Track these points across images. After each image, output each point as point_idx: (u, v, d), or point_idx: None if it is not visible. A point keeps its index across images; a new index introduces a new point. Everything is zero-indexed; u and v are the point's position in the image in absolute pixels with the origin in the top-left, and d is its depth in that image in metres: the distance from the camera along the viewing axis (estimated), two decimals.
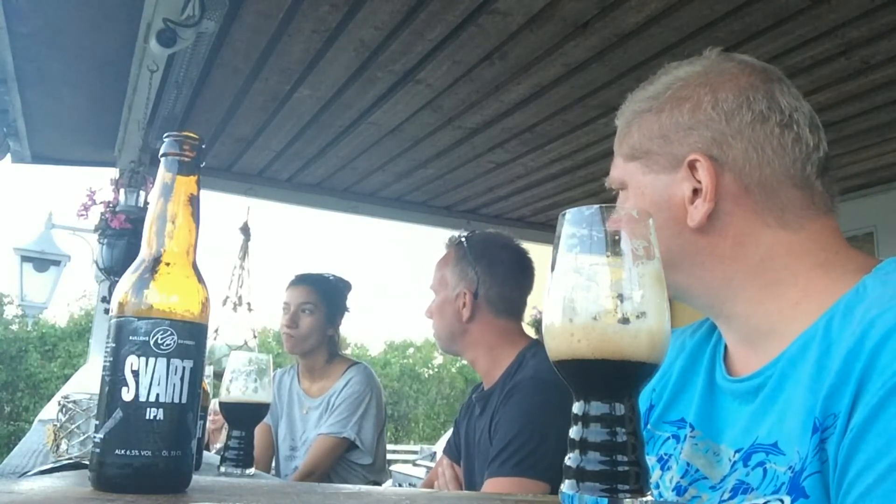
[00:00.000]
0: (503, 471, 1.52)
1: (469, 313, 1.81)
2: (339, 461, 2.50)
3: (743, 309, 0.82)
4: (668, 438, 0.90)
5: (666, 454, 0.89)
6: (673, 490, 0.84)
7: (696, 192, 0.81)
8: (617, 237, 0.59)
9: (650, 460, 0.90)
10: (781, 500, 0.69)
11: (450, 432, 2.07)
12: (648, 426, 0.94)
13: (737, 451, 0.78)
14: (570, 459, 0.58)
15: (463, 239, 1.90)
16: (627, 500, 0.55)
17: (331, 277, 2.79)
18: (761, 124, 0.80)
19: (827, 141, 0.84)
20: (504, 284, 1.84)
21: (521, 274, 1.88)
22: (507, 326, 1.84)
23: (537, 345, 1.78)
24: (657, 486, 0.86)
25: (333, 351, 2.71)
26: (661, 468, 0.88)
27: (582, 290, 0.58)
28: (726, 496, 0.75)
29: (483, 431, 1.72)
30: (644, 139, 0.87)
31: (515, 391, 1.64)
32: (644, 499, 0.56)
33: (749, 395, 0.80)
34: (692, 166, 0.81)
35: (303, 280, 2.72)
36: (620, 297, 0.57)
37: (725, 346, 0.90)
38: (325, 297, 2.69)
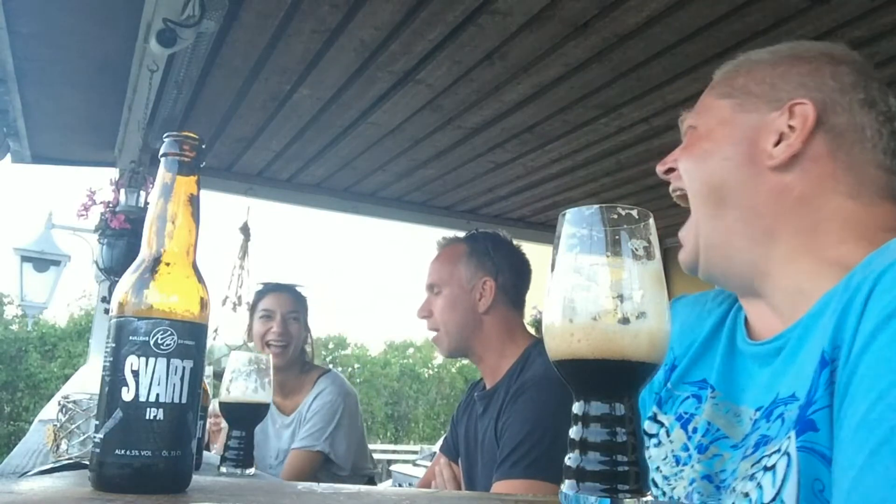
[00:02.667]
0: (515, 472, 1.50)
1: (487, 303, 1.80)
2: (319, 474, 2.44)
3: (778, 266, 0.83)
4: (688, 398, 0.91)
5: (685, 412, 0.90)
6: (696, 448, 0.85)
7: (781, 137, 0.83)
8: (617, 237, 0.59)
9: (668, 419, 0.92)
10: (789, 437, 0.69)
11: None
12: (668, 386, 0.95)
13: (758, 410, 0.79)
14: (570, 459, 0.58)
15: (474, 231, 1.93)
16: (627, 499, 0.55)
17: (299, 288, 2.74)
18: (868, 108, 0.83)
19: None
20: (518, 276, 1.87)
21: (526, 269, 1.91)
22: (516, 320, 1.86)
23: (542, 342, 1.77)
24: (685, 448, 0.86)
25: (305, 361, 2.66)
26: (682, 427, 0.89)
27: (582, 290, 0.58)
28: (749, 452, 0.76)
29: (487, 431, 1.70)
30: (750, 82, 0.89)
31: (525, 390, 1.61)
32: (644, 499, 0.56)
33: (770, 356, 0.81)
34: (791, 111, 0.83)
35: (283, 288, 2.67)
36: (620, 297, 0.57)
37: (745, 317, 0.91)
38: (304, 306, 2.67)
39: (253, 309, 2.70)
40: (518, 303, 1.87)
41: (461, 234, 1.99)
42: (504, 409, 1.65)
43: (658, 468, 0.88)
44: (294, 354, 2.57)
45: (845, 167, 0.82)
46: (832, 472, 0.64)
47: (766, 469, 0.70)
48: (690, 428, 0.88)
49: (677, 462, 0.86)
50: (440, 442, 2.42)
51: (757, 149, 0.85)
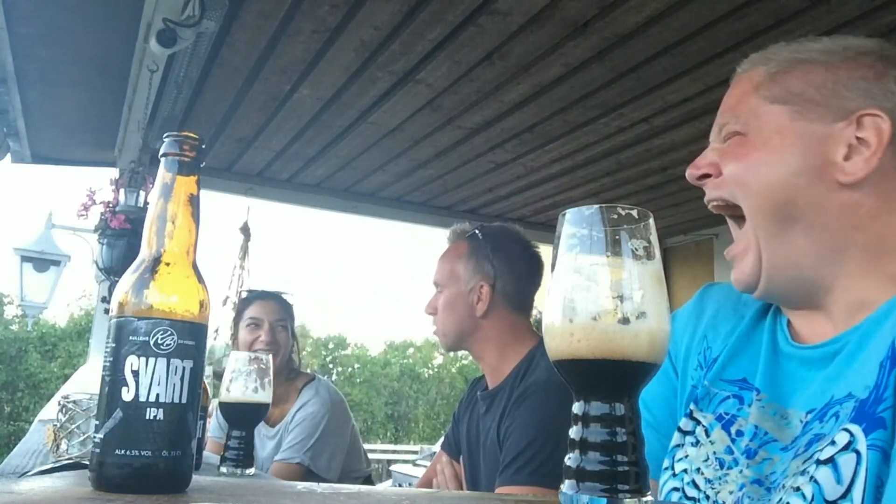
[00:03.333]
0: (518, 479, 1.48)
1: (485, 308, 1.76)
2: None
3: (843, 282, 0.81)
4: (728, 397, 0.88)
5: (726, 413, 0.87)
6: (743, 453, 0.83)
7: (849, 149, 0.80)
8: (617, 237, 0.59)
9: (706, 418, 0.89)
10: (850, 431, 0.67)
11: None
12: (705, 382, 0.92)
13: (809, 412, 0.77)
14: (570, 459, 0.58)
15: (477, 231, 1.84)
16: (627, 500, 0.55)
17: (285, 296, 2.69)
18: None
19: None
20: (520, 279, 1.80)
21: (535, 268, 1.84)
22: (519, 322, 1.80)
23: None
24: (730, 451, 0.84)
25: (292, 368, 2.60)
26: (724, 428, 0.86)
27: (582, 290, 0.58)
28: (801, 451, 0.75)
29: (490, 432, 1.68)
30: (808, 87, 0.84)
31: (529, 394, 1.59)
32: (644, 499, 0.56)
33: (824, 360, 0.79)
34: (860, 122, 0.80)
35: (269, 296, 2.61)
36: (620, 297, 0.57)
37: (787, 320, 0.89)
38: (290, 314, 2.61)
39: (238, 317, 2.61)
40: (521, 305, 1.81)
41: (471, 225, 1.89)
42: (508, 412, 1.62)
43: (699, 470, 0.85)
44: (282, 363, 2.51)
45: None
46: (891, 469, 0.63)
47: (818, 462, 0.69)
48: (734, 430, 0.85)
49: (721, 465, 0.84)
50: (440, 442, 2.40)
51: (826, 162, 0.80)
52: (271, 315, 2.53)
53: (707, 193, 0.89)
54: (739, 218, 0.87)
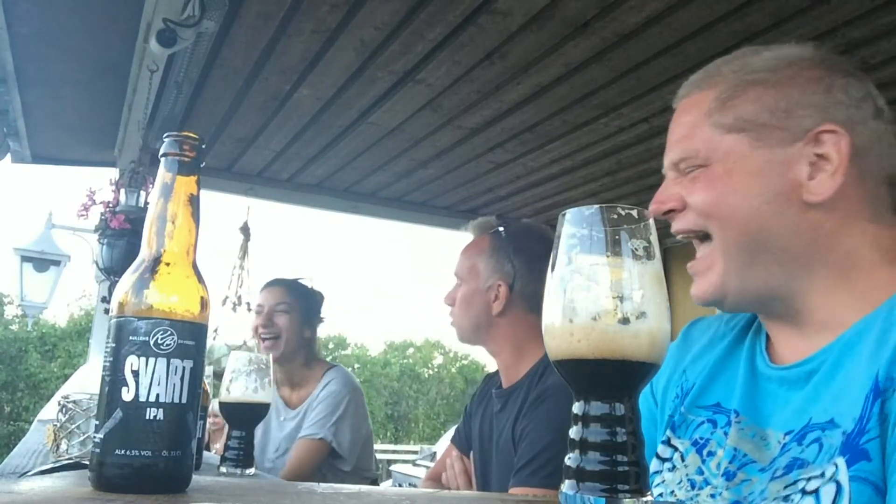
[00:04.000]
0: (533, 481, 1.48)
1: (501, 307, 1.73)
2: (323, 468, 2.42)
3: (813, 300, 0.81)
4: (703, 423, 0.90)
5: (702, 438, 0.88)
6: (722, 476, 0.83)
7: (812, 166, 0.80)
8: (617, 237, 0.59)
9: (683, 444, 0.90)
10: (836, 464, 0.68)
11: (451, 432, 2.02)
12: (682, 410, 0.93)
13: (787, 434, 0.77)
14: (570, 459, 0.58)
15: (501, 228, 1.80)
16: (627, 500, 0.55)
17: (306, 283, 2.75)
18: (879, 118, 0.82)
19: None
20: (540, 280, 1.78)
21: None
22: (537, 323, 1.77)
23: None
24: (701, 472, 0.86)
25: (311, 355, 2.64)
26: (698, 452, 0.88)
27: (582, 290, 0.58)
28: (779, 473, 0.75)
29: (504, 431, 1.67)
30: (762, 111, 0.83)
31: (547, 397, 1.57)
32: (644, 499, 0.56)
33: (800, 380, 0.80)
34: (817, 139, 0.80)
35: (276, 282, 2.68)
36: (620, 297, 0.57)
37: (767, 336, 0.89)
38: (299, 298, 2.64)
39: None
40: (540, 307, 1.78)
41: (496, 221, 1.85)
42: (524, 413, 1.61)
43: (673, 492, 0.87)
44: (290, 347, 2.55)
45: (872, 186, 0.80)
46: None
47: (804, 493, 0.69)
48: (706, 452, 0.86)
49: (692, 486, 0.85)
50: (440, 442, 2.39)
51: (792, 184, 0.80)
52: (271, 300, 2.59)
53: (673, 226, 0.89)
54: (704, 236, 0.87)
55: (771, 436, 0.80)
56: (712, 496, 0.82)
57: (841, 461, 0.68)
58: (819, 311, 0.81)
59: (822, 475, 0.69)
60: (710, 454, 0.86)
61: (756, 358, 0.89)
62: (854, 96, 0.81)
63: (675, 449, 0.91)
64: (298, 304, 2.62)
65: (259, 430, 2.55)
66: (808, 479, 0.70)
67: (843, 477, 0.67)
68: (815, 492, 0.69)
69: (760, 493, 0.77)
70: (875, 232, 0.80)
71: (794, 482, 0.72)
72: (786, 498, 0.71)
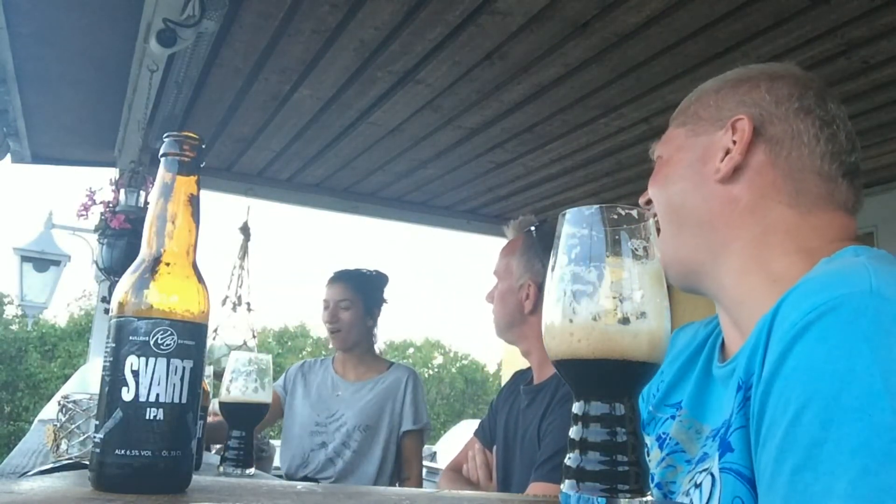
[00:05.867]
0: (554, 477, 1.49)
1: (532, 306, 1.78)
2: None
3: (729, 279, 0.88)
4: (667, 419, 0.96)
5: (664, 433, 0.95)
6: (658, 462, 0.90)
7: (727, 153, 0.89)
8: (617, 237, 0.59)
9: (649, 440, 0.96)
10: (712, 459, 0.75)
11: (451, 431, 2.03)
12: (650, 409, 1.00)
13: (713, 430, 0.83)
14: (570, 459, 0.58)
15: (533, 228, 1.86)
16: (627, 500, 0.55)
17: (366, 272, 2.90)
18: (805, 115, 0.88)
19: None
20: None
21: None
22: None
23: None
24: (658, 465, 0.91)
25: (372, 343, 2.84)
26: (660, 447, 0.94)
27: (582, 290, 0.58)
28: (692, 468, 0.82)
29: (530, 427, 1.69)
30: (699, 108, 0.95)
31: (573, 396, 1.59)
32: (644, 499, 0.56)
33: (727, 378, 0.85)
34: (734, 127, 0.89)
35: (339, 277, 2.83)
36: (620, 297, 0.57)
37: (723, 339, 0.95)
38: (360, 291, 2.80)
39: None
40: None
41: (534, 219, 1.91)
42: (551, 410, 1.64)
43: None
44: (354, 339, 2.75)
45: (785, 175, 0.86)
46: (759, 496, 0.67)
47: (696, 486, 0.76)
48: (665, 446, 0.93)
49: (651, 479, 0.89)
50: (440, 442, 2.40)
51: (707, 167, 0.90)
52: (335, 296, 2.77)
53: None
54: None
55: (704, 430, 0.87)
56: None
57: (716, 455, 0.74)
58: (733, 290, 0.87)
59: (707, 469, 0.75)
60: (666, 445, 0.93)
61: (712, 357, 0.95)
62: (779, 94, 0.89)
63: (644, 445, 0.95)
64: (360, 297, 2.78)
65: (304, 404, 2.75)
66: (701, 472, 0.77)
67: (715, 469, 0.73)
68: (701, 485, 0.76)
69: (679, 484, 0.84)
70: (792, 218, 0.85)
71: (694, 476, 0.78)
72: (687, 492, 0.78)
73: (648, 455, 0.93)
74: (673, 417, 0.95)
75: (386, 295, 2.92)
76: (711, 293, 0.92)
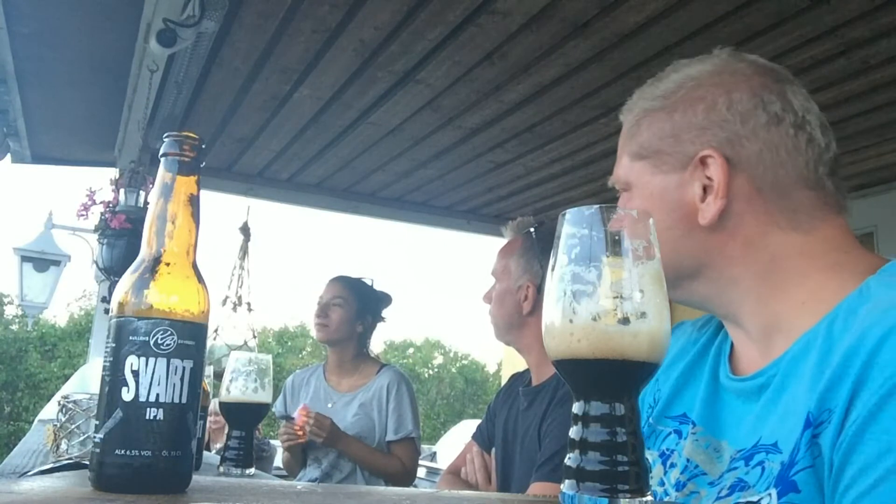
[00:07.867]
0: (555, 477, 1.49)
1: (530, 307, 1.78)
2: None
3: (750, 308, 0.82)
4: (670, 434, 0.90)
5: (668, 449, 0.89)
6: (674, 486, 0.84)
7: (705, 190, 0.81)
8: (617, 237, 0.59)
9: (651, 455, 0.90)
10: (770, 494, 0.69)
11: (451, 431, 2.03)
12: (650, 420, 0.94)
13: (739, 451, 0.78)
14: (570, 459, 0.58)
15: (532, 230, 1.85)
16: (627, 500, 0.55)
17: (369, 283, 2.94)
18: (776, 126, 0.80)
19: None
20: None
21: None
22: None
23: None
24: (661, 484, 0.87)
25: (362, 348, 2.85)
26: (664, 464, 0.88)
27: (582, 290, 0.58)
28: (724, 493, 0.76)
29: (530, 428, 1.69)
30: (654, 138, 0.86)
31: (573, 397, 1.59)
32: (644, 499, 0.56)
33: (753, 393, 0.80)
34: (703, 162, 0.81)
35: (338, 278, 2.89)
36: (620, 297, 0.57)
37: (732, 345, 0.89)
38: (355, 294, 2.83)
39: None
40: None
41: (533, 220, 1.89)
42: (551, 410, 1.64)
43: None
44: (337, 336, 2.76)
45: (776, 197, 0.80)
46: None
47: None
48: (669, 464, 0.87)
49: (654, 497, 0.85)
50: (440, 442, 2.41)
51: (689, 209, 0.82)
52: (329, 294, 2.82)
53: None
54: None
55: (725, 448, 0.81)
56: None
57: (774, 492, 0.69)
58: (759, 316, 0.81)
59: (759, 503, 0.70)
60: (672, 465, 0.87)
61: (719, 367, 0.89)
62: (739, 110, 0.81)
63: (644, 446, 0.92)
64: (353, 299, 2.81)
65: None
66: None
67: None
68: None
69: None
70: (800, 241, 0.79)
71: None
72: None
73: (651, 473, 0.88)
74: (678, 432, 0.89)
75: (385, 314, 2.95)
76: (730, 321, 0.86)
